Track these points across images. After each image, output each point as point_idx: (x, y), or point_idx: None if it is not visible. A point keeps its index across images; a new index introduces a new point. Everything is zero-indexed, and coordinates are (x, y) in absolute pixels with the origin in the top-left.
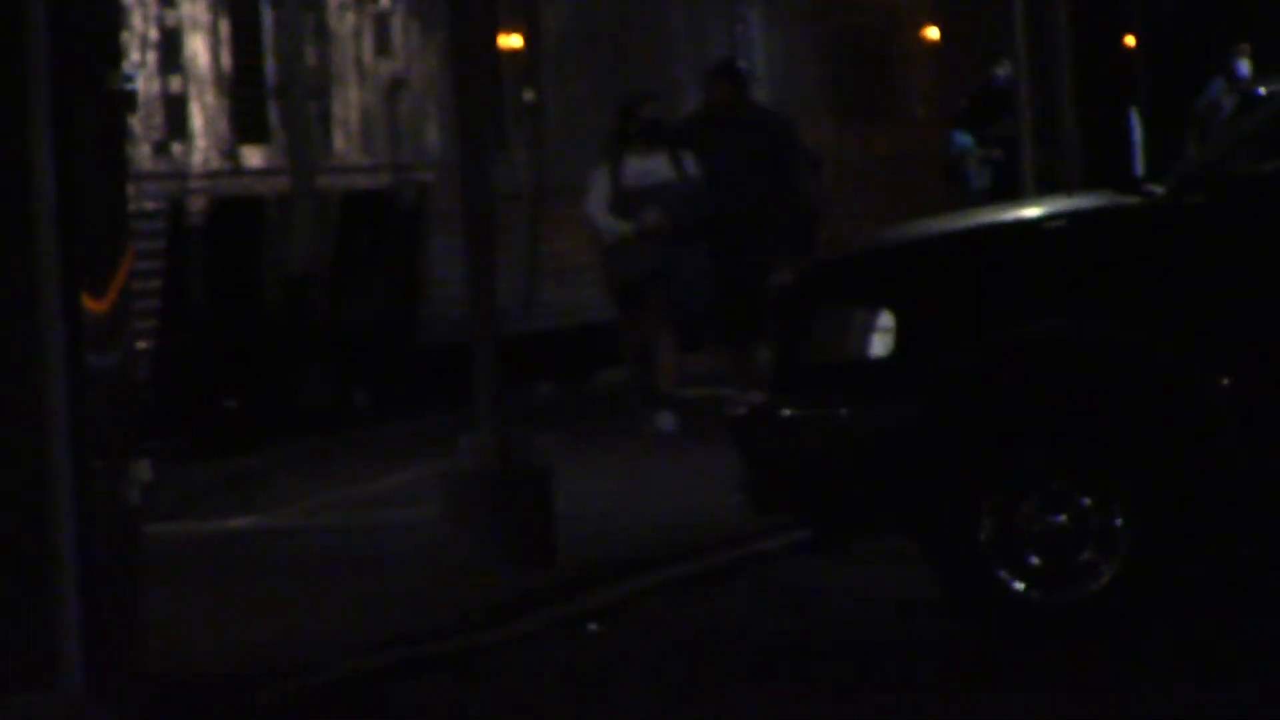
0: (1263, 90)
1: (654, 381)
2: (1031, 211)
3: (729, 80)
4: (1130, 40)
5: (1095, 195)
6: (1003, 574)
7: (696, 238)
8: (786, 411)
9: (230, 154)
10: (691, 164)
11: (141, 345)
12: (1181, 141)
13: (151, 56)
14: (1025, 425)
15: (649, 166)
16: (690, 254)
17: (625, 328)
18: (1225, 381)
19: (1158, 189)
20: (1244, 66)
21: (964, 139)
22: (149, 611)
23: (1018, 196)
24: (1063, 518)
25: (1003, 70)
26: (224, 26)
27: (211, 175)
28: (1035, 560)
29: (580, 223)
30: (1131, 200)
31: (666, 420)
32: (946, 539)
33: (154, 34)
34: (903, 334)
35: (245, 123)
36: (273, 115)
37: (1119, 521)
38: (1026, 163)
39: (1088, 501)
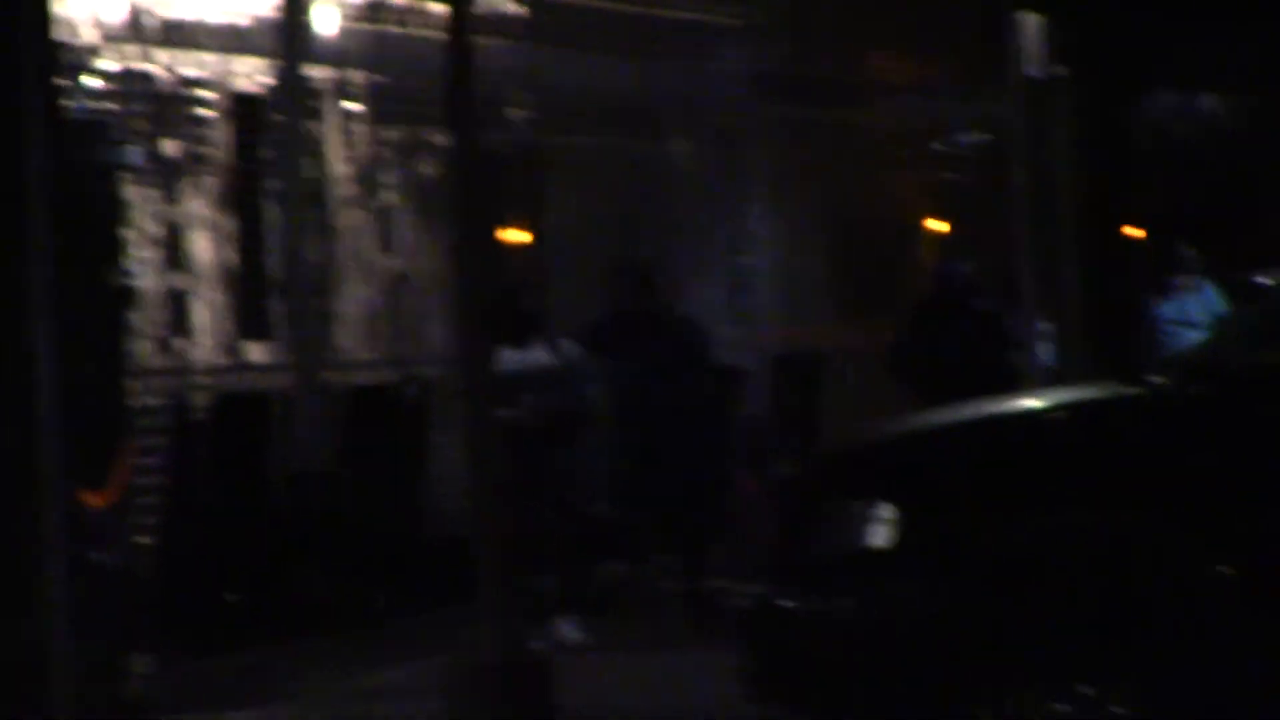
0: (1264, 280)
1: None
2: (1034, 403)
3: (640, 282)
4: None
5: (1097, 386)
6: None
7: (578, 428)
8: (788, 603)
9: (233, 350)
10: (571, 348)
11: (144, 540)
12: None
13: (154, 252)
14: (1026, 616)
15: (525, 355)
16: (575, 453)
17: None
18: (1229, 572)
19: (1160, 380)
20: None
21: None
22: None
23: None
24: (1066, 708)
25: (961, 266)
26: (227, 223)
27: (214, 371)
28: None
29: None
30: (1134, 390)
31: (567, 626)
32: None
33: (156, 230)
34: (905, 526)
35: (248, 319)
36: (275, 311)
37: (1119, 710)
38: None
39: (1089, 692)
